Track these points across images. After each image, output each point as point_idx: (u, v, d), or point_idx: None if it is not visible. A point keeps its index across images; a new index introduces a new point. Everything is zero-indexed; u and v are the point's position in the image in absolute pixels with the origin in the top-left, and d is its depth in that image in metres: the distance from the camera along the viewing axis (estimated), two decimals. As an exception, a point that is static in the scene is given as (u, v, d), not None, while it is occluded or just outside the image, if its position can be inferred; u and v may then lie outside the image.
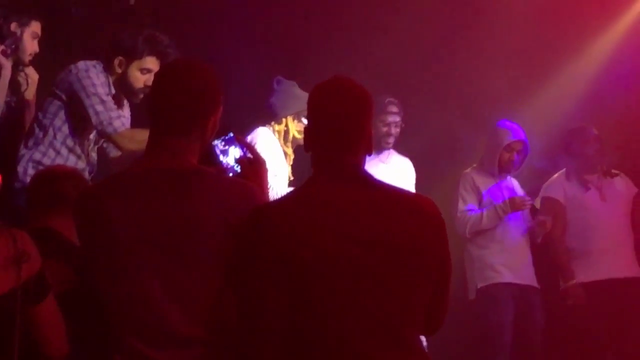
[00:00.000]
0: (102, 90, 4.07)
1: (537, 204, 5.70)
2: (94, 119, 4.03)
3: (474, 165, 5.71)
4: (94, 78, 4.08)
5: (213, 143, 2.47)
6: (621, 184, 5.68)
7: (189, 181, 2.30)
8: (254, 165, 2.49)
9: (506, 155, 5.53)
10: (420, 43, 6.08)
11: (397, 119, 5.61)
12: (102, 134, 4.10)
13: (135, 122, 4.27)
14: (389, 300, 2.21)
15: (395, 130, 5.62)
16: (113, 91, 4.19)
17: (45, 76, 4.36)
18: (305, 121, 4.58)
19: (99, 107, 4.03)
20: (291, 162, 4.81)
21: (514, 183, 5.70)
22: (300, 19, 6.13)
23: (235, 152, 2.49)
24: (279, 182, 4.59)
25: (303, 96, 4.56)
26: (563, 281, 5.51)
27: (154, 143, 2.39)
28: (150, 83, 4.10)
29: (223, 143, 2.48)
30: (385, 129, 5.58)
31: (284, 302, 2.16)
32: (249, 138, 4.65)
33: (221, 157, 2.47)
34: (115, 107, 4.12)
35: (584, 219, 5.53)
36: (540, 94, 6.45)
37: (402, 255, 2.24)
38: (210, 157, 2.46)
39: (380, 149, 5.60)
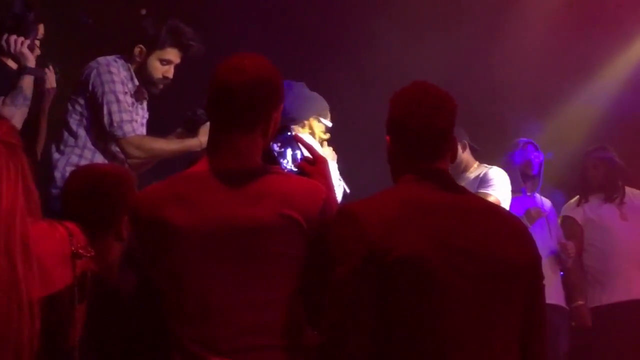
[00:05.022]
0: (120, 88, 3.95)
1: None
2: (105, 118, 3.91)
3: None
4: (114, 73, 3.96)
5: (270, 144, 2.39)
6: None
7: (255, 182, 2.21)
8: (316, 166, 2.41)
9: (521, 158, 5.46)
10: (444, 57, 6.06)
11: None
12: (110, 136, 3.96)
13: (153, 115, 4.18)
14: (483, 313, 2.13)
15: None
16: (137, 82, 4.07)
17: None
18: (324, 122, 4.48)
19: (114, 107, 3.91)
20: None
21: (543, 200, 5.57)
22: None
23: (292, 152, 2.42)
24: None
25: (316, 97, 4.47)
26: (571, 301, 5.39)
27: (216, 141, 2.29)
28: (169, 74, 4.10)
29: (279, 144, 2.40)
30: None
31: (374, 300, 2.07)
32: None
33: (279, 159, 2.40)
34: (130, 109, 3.98)
35: (603, 238, 5.42)
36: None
37: (500, 267, 2.17)
38: (268, 159, 2.35)
39: None
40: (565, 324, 5.28)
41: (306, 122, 4.52)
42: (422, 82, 2.34)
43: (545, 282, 4.87)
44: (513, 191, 5.19)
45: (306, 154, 2.49)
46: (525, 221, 5.09)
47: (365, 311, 2.06)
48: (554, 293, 5.20)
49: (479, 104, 6.01)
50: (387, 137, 2.36)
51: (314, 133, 4.50)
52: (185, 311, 2.14)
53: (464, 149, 5.17)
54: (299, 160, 2.41)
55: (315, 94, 4.51)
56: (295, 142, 2.42)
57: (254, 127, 2.26)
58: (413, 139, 2.27)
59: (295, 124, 4.49)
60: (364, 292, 2.06)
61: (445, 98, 2.31)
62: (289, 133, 2.43)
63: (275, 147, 2.40)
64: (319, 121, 4.53)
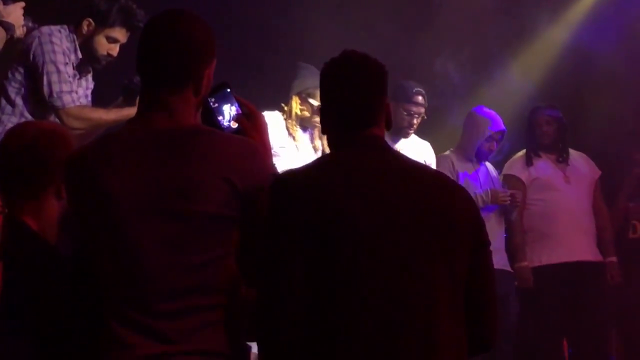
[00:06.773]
0: (61, 59, 3.93)
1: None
2: (45, 89, 3.89)
3: (452, 148, 5.58)
4: (56, 44, 3.93)
5: (206, 100, 2.34)
6: (585, 167, 5.61)
7: (187, 141, 2.15)
8: (251, 121, 2.34)
9: (486, 145, 5.44)
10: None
11: (422, 110, 5.30)
12: (50, 106, 3.95)
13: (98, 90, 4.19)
14: (419, 271, 2.13)
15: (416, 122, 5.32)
16: (80, 56, 4.05)
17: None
18: (310, 101, 4.56)
19: (54, 77, 3.90)
20: (297, 142, 4.68)
21: (490, 168, 5.58)
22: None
23: (229, 109, 2.35)
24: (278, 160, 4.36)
25: (308, 74, 4.51)
26: (514, 262, 5.43)
27: (147, 100, 2.22)
28: (114, 53, 4.09)
29: (213, 100, 2.34)
30: (408, 119, 5.24)
31: (308, 267, 2.08)
32: None
33: (217, 116, 2.35)
34: (70, 80, 3.96)
35: (547, 199, 5.45)
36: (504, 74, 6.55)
37: (435, 224, 2.16)
38: (204, 116, 2.31)
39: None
40: (512, 285, 5.34)
41: (290, 100, 4.67)
42: (351, 52, 2.34)
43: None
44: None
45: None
46: (486, 197, 5.25)
47: (296, 266, 2.08)
48: (498, 258, 5.10)
49: (419, 68, 6.06)
50: (320, 108, 2.39)
51: (291, 109, 4.62)
52: (120, 274, 2.10)
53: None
54: (235, 116, 2.35)
55: (310, 71, 4.53)
56: (233, 98, 2.35)
57: (184, 85, 2.19)
58: (344, 109, 2.29)
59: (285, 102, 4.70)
60: (294, 250, 2.08)
61: (375, 65, 2.32)
62: (227, 90, 2.33)
63: (210, 104, 2.33)
64: (302, 99, 4.62)
